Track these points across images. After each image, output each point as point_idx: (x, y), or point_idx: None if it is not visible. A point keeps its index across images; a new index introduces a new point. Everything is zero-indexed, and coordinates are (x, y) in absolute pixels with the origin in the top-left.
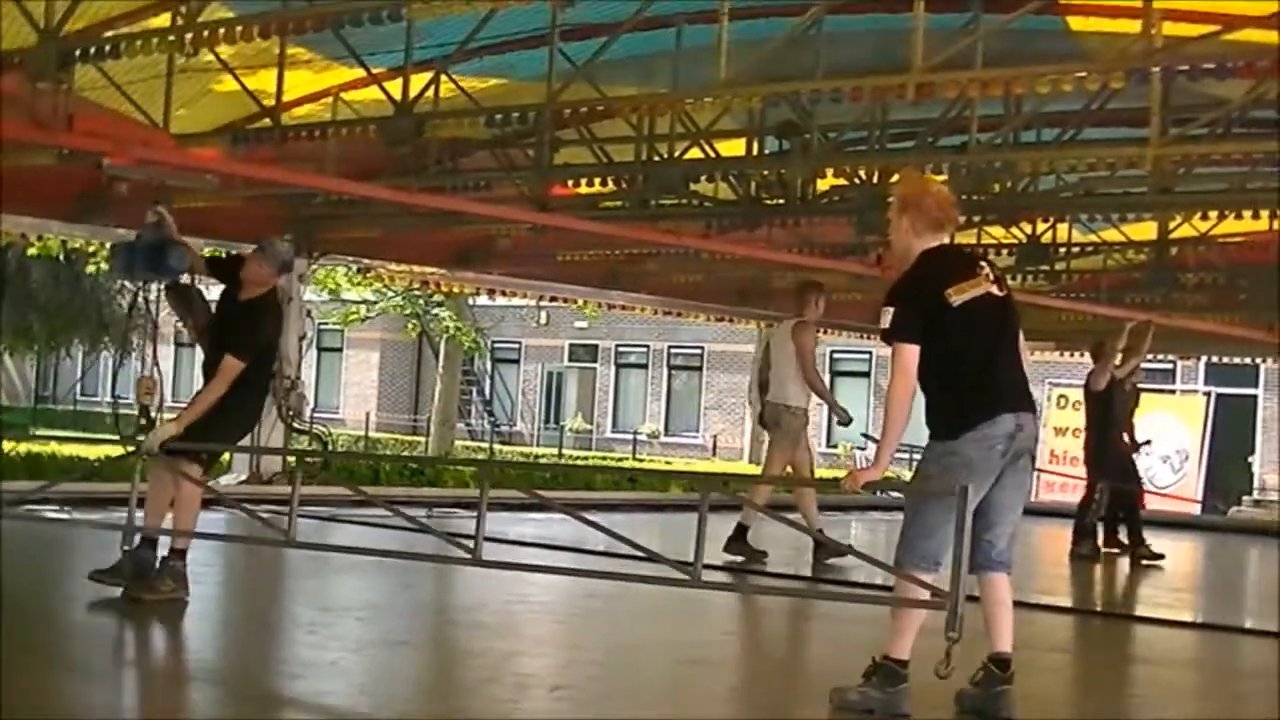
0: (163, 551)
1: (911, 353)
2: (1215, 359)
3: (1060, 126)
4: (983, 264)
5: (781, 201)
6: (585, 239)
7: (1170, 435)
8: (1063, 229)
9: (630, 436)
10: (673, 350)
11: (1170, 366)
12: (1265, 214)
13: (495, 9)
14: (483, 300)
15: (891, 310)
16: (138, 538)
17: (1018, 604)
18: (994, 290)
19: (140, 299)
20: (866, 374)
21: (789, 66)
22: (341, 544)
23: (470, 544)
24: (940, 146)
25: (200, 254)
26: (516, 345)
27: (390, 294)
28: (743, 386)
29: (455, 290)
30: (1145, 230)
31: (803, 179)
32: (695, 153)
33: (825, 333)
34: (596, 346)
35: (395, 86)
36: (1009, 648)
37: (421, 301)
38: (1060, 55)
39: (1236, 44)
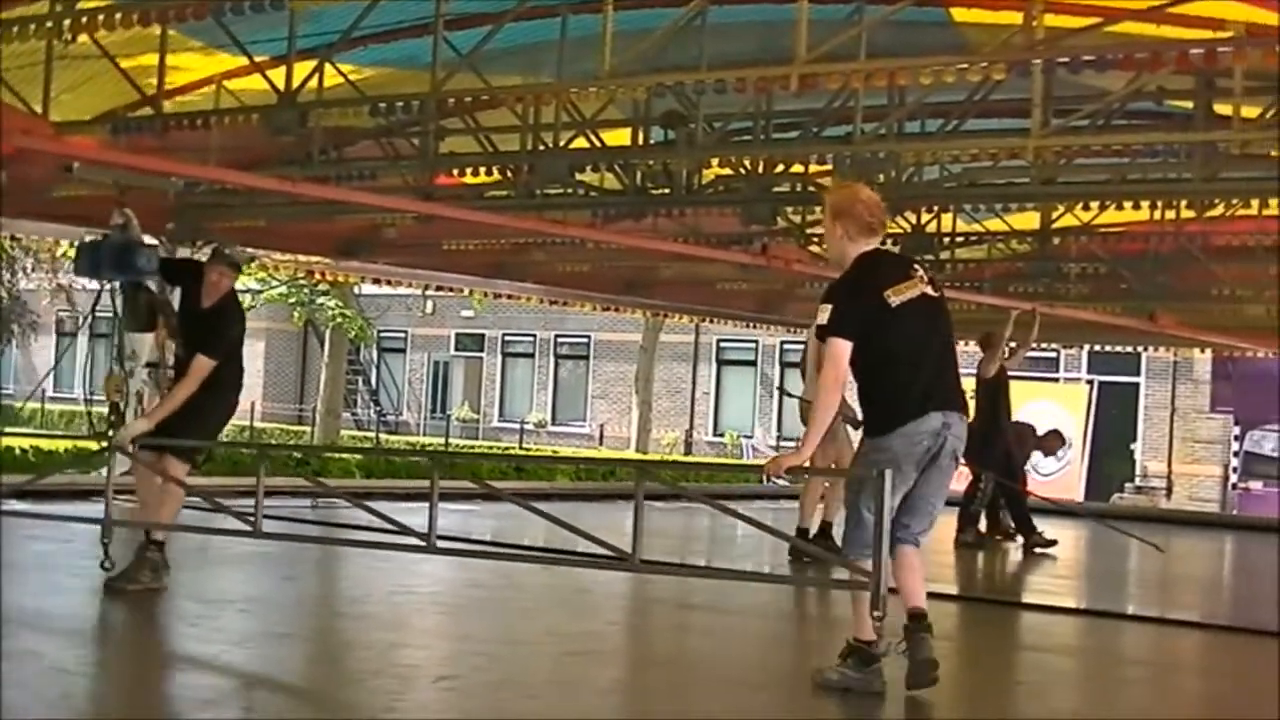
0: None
1: (845, 347)
2: (1098, 347)
3: (944, 117)
4: (916, 266)
5: (667, 191)
6: (471, 229)
7: (1053, 423)
8: (947, 219)
9: (517, 425)
10: (559, 339)
11: (1054, 355)
12: (1145, 204)
13: None
14: (369, 289)
15: (830, 307)
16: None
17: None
18: (929, 291)
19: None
20: (753, 363)
21: (674, 57)
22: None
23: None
24: (825, 137)
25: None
26: (403, 335)
27: (275, 283)
28: (629, 375)
29: (341, 279)
30: (1028, 220)
31: (688, 169)
32: (581, 142)
33: (711, 321)
34: (483, 336)
35: (279, 75)
36: (922, 603)
37: (307, 290)
38: (943, 47)
39: (1116, 36)
